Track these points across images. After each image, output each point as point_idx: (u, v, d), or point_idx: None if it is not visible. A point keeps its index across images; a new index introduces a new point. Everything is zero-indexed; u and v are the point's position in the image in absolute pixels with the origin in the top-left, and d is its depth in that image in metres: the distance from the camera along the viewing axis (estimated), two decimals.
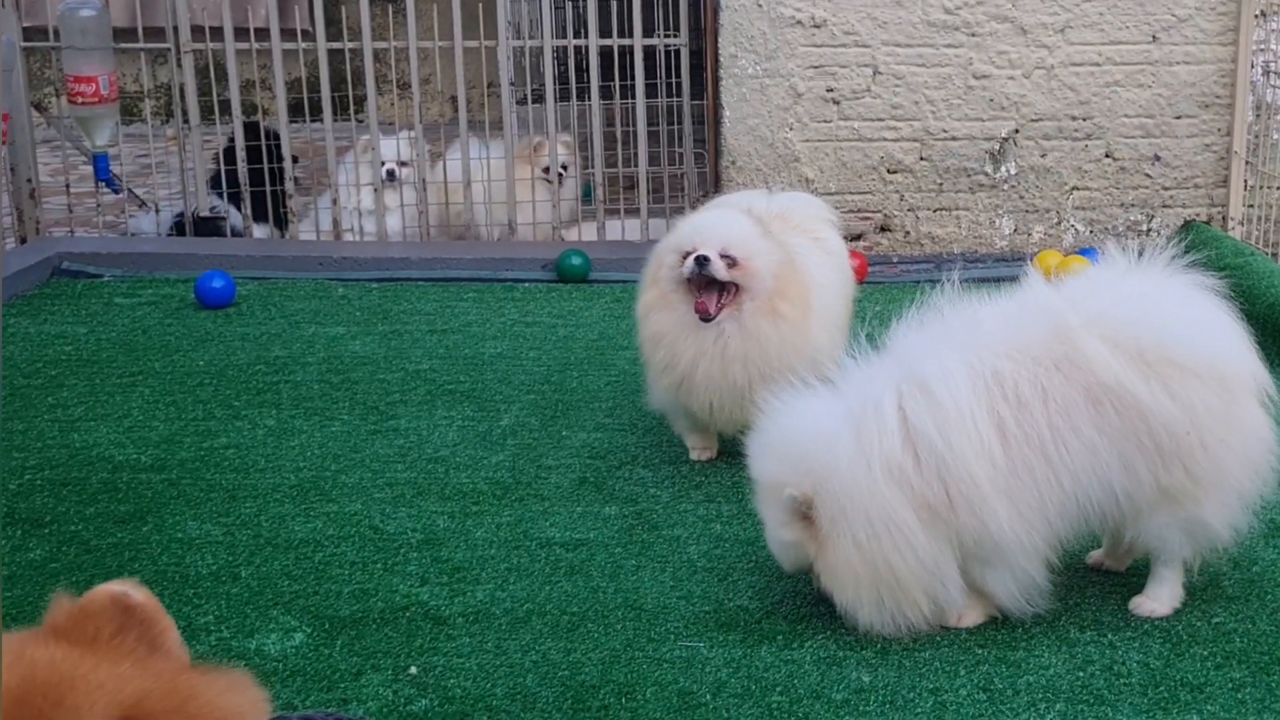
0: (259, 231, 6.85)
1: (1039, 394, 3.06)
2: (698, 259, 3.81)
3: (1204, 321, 3.25)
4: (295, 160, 6.93)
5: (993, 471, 3.03)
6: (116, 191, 6.94)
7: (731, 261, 3.83)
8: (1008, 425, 3.05)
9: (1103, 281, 3.31)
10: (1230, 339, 3.26)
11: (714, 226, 3.93)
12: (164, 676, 1.56)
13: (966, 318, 3.23)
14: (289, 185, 6.87)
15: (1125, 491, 3.12)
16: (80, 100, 6.52)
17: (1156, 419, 3.07)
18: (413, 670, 3.03)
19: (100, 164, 6.75)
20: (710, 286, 3.86)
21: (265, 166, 6.71)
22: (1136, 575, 3.50)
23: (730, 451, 4.23)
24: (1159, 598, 3.32)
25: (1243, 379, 3.23)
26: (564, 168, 6.89)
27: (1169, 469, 3.12)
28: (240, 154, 6.72)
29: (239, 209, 6.84)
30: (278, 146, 6.77)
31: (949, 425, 3.04)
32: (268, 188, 6.74)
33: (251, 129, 6.77)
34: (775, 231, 3.99)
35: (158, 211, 6.95)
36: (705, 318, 3.85)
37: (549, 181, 6.86)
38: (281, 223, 6.87)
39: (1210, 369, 3.15)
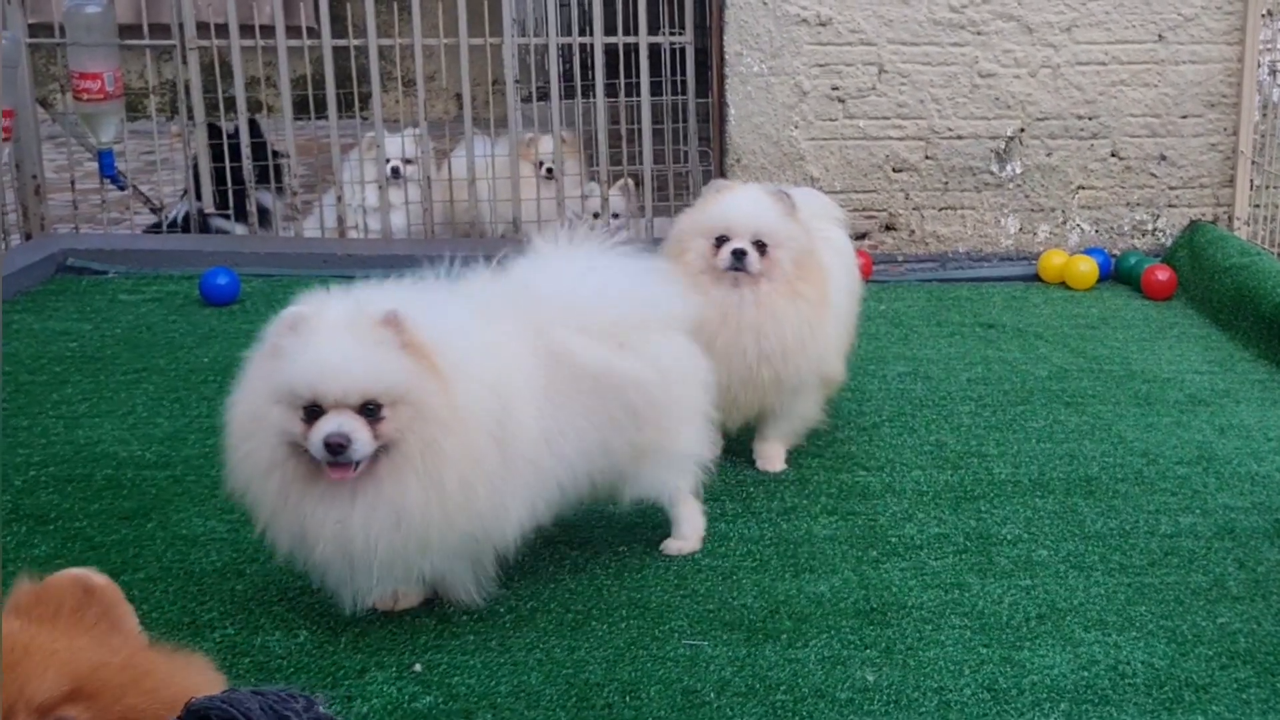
0: (239, 230, 6.84)
1: (539, 386, 3.11)
2: (735, 252, 3.82)
3: (644, 278, 3.38)
4: (282, 156, 6.90)
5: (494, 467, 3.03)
6: (121, 188, 6.94)
7: (762, 247, 3.84)
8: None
9: (551, 271, 3.30)
10: (665, 286, 3.44)
11: (746, 211, 3.88)
12: (121, 652, 1.59)
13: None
14: (290, 181, 6.86)
15: (602, 470, 3.27)
16: (85, 97, 6.52)
17: (636, 387, 3.20)
18: (417, 667, 3.03)
19: (105, 160, 6.75)
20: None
21: (227, 165, 6.68)
22: (1143, 578, 3.50)
23: (734, 450, 4.23)
24: (685, 535, 3.57)
25: (678, 317, 3.42)
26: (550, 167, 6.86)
27: (643, 429, 3.26)
28: (204, 155, 6.69)
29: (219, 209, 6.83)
30: (237, 145, 6.73)
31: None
32: (230, 186, 6.72)
33: (213, 130, 6.74)
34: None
35: (160, 208, 6.95)
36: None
37: (544, 178, 6.86)
38: (249, 218, 6.83)
39: (660, 317, 3.34)
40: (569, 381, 3.15)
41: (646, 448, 3.32)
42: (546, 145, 6.84)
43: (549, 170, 6.83)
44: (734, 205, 3.91)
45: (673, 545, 3.56)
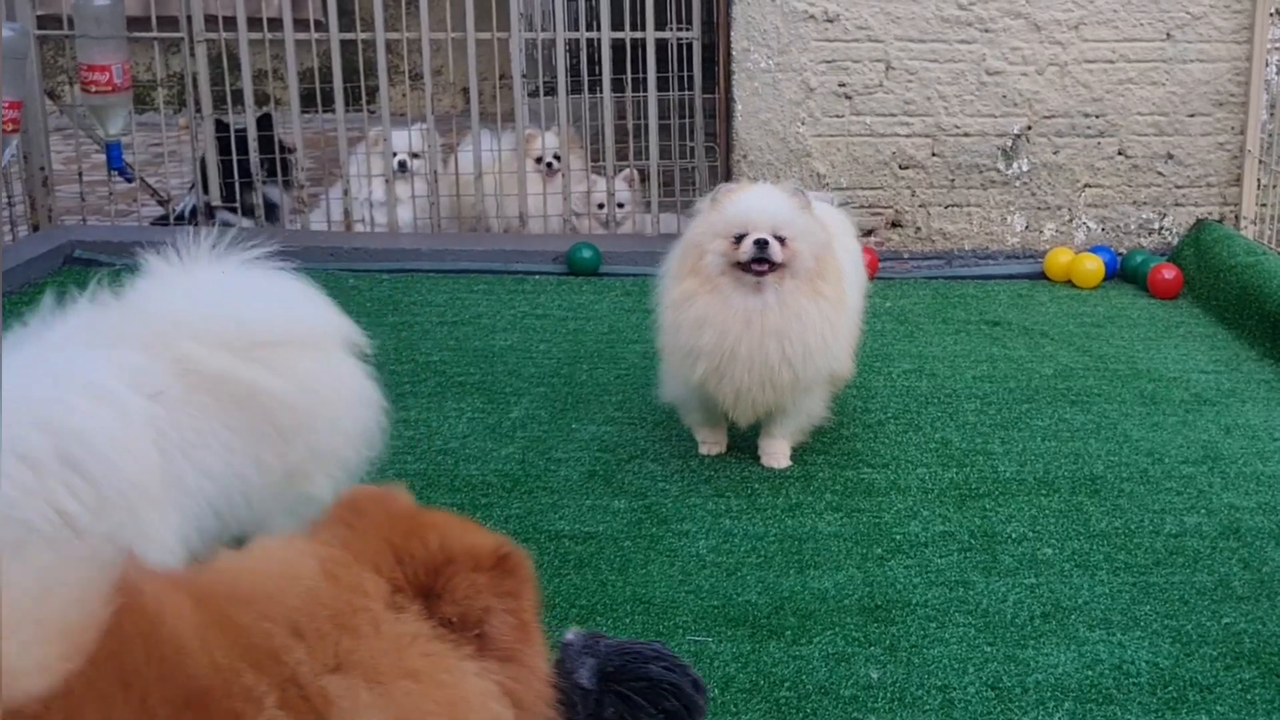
0: (245, 224, 6.85)
1: (180, 401, 2.85)
2: (758, 242, 3.81)
3: (279, 293, 3.18)
4: (290, 150, 6.91)
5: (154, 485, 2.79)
6: (129, 180, 6.95)
7: (782, 241, 3.84)
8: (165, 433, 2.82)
9: (173, 283, 3.03)
10: (311, 303, 3.22)
11: (764, 207, 3.88)
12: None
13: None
14: (297, 175, 6.87)
15: (256, 487, 2.99)
16: (94, 89, 6.53)
17: (274, 400, 2.98)
18: None
19: (113, 153, 6.75)
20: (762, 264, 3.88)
21: (234, 159, 6.69)
22: (1148, 578, 3.50)
23: (740, 446, 4.23)
24: None
25: (333, 337, 3.22)
26: (556, 158, 6.86)
27: (292, 447, 3.03)
28: (212, 149, 6.70)
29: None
30: (244, 139, 6.74)
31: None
32: (238, 180, 6.73)
33: (220, 124, 6.75)
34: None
35: (167, 200, 6.96)
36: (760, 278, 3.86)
37: (539, 173, 6.85)
38: (252, 212, 6.84)
39: (303, 335, 3.12)
40: (208, 396, 2.87)
41: (294, 473, 3.04)
42: (547, 141, 6.83)
43: (549, 165, 6.83)
44: (751, 201, 3.91)
45: None
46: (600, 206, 6.90)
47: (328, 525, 1.97)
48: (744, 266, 3.84)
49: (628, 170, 6.93)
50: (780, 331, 3.86)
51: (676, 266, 4.01)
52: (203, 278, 3.06)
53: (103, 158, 6.92)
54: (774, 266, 3.83)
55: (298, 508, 3.05)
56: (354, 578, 1.84)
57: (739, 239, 3.84)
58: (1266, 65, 6.38)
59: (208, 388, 2.87)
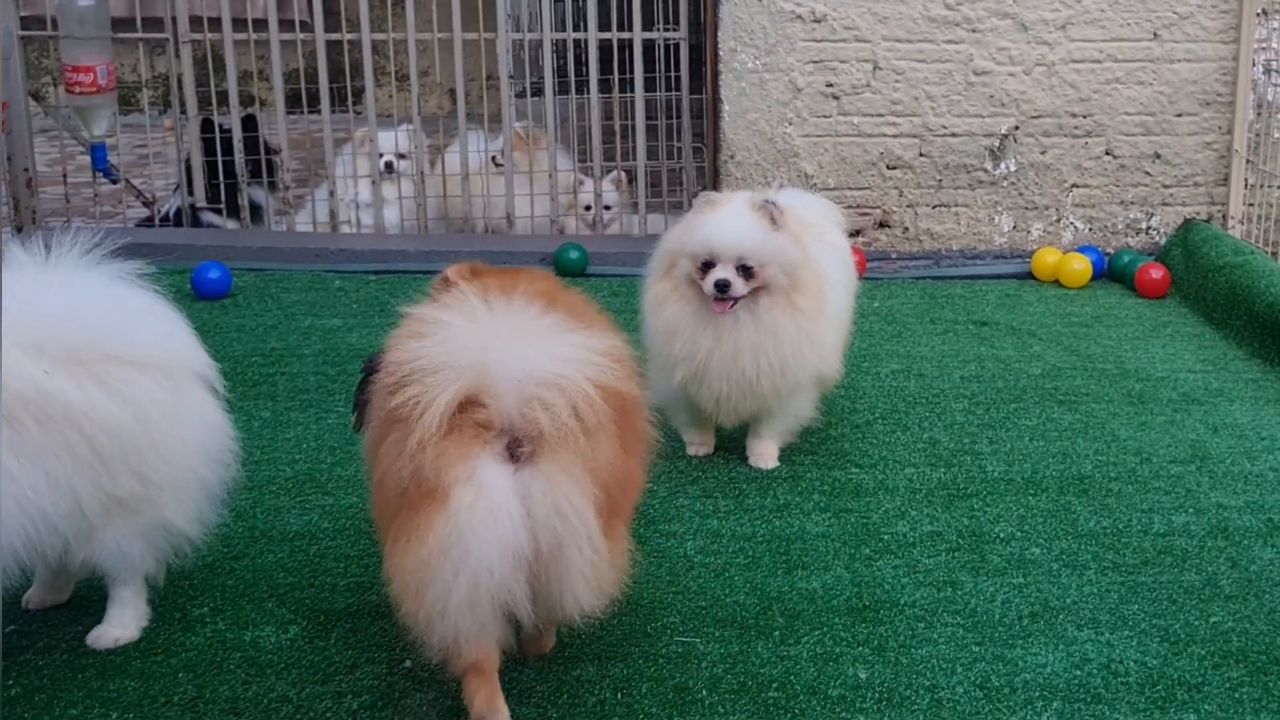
0: (230, 225, 6.83)
1: None
2: (718, 284, 3.76)
3: (137, 311, 2.99)
4: (274, 151, 6.88)
5: None
6: (114, 181, 6.92)
7: (748, 271, 3.79)
8: None
9: (14, 282, 2.76)
10: (167, 326, 3.04)
11: (729, 236, 3.78)
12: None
13: None
14: (282, 176, 6.84)
15: (65, 515, 2.77)
16: (78, 90, 6.50)
17: (95, 424, 2.75)
18: (408, 664, 3.02)
19: (98, 154, 6.73)
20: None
21: (219, 160, 6.66)
22: (1136, 577, 3.49)
23: (727, 446, 4.22)
24: (125, 623, 3.08)
25: (185, 366, 3.04)
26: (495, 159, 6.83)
27: (116, 477, 2.81)
28: (197, 149, 6.68)
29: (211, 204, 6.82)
30: (230, 140, 6.71)
31: None
32: (223, 181, 6.71)
33: (206, 124, 6.72)
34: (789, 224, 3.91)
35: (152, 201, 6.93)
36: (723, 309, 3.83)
37: (493, 172, 6.83)
38: (238, 213, 6.81)
39: (151, 358, 2.91)
40: (22, 410, 2.70)
41: (127, 501, 2.88)
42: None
43: (494, 160, 6.80)
44: (718, 229, 3.80)
45: (108, 634, 3.06)
46: (587, 208, 6.89)
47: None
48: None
49: (615, 172, 6.92)
50: (754, 347, 3.85)
51: (654, 266, 4.01)
52: (55, 280, 2.88)
53: (87, 159, 6.89)
54: (737, 300, 3.82)
55: (152, 536, 2.98)
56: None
57: (705, 266, 3.81)
58: (1253, 65, 6.38)
59: (23, 405, 2.67)
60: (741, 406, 3.96)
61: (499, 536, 2.43)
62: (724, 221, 3.82)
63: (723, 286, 3.78)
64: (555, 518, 2.47)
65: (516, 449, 2.49)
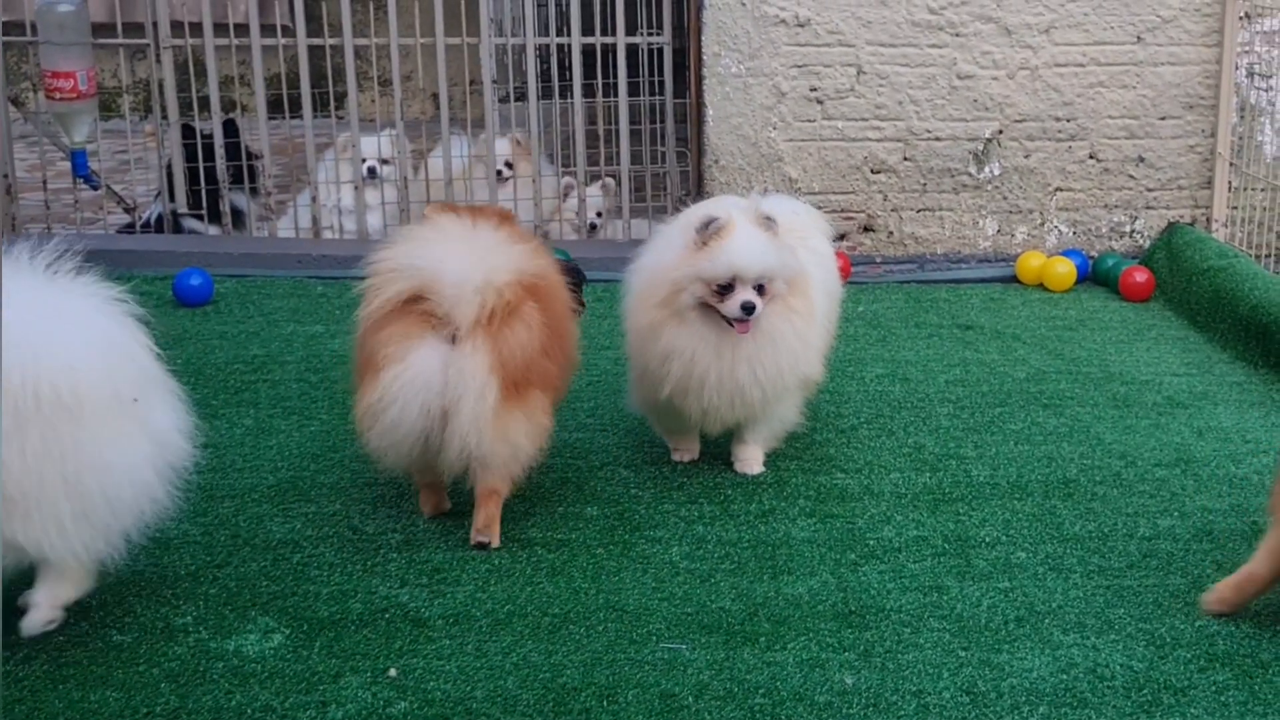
0: (212, 231, 6.80)
1: None
2: (746, 307, 3.73)
3: (50, 337, 2.80)
4: (256, 157, 6.86)
5: None
6: (95, 188, 6.88)
7: (762, 289, 3.79)
8: None
9: None
10: (85, 354, 2.82)
11: (754, 259, 3.74)
12: None
13: None
14: (264, 181, 6.82)
15: None
16: (58, 96, 6.46)
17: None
18: (392, 673, 3.00)
19: (78, 160, 6.69)
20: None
21: (201, 165, 6.64)
22: (1122, 581, 3.49)
23: (712, 453, 4.21)
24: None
25: (95, 398, 2.82)
26: (508, 165, 6.80)
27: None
28: (178, 155, 6.65)
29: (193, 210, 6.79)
30: (211, 145, 6.68)
31: None
32: (204, 186, 6.68)
33: (187, 130, 6.69)
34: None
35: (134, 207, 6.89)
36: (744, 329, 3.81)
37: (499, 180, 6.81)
38: (220, 219, 6.78)
39: (42, 395, 2.74)
40: None
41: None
42: (501, 147, 6.79)
43: (499, 173, 6.77)
44: (741, 254, 3.75)
45: None
46: (576, 215, 6.87)
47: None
48: (724, 316, 3.80)
49: (603, 180, 6.89)
50: (752, 357, 3.84)
51: (645, 292, 3.89)
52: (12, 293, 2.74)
53: (67, 165, 6.85)
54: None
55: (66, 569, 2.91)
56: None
57: (723, 289, 3.78)
58: (1236, 68, 6.40)
59: None
60: (728, 415, 3.94)
61: (412, 395, 3.38)
62: (744, 245, 3.77)
63: (750, 309, 3.75)
64: (459, 379, 3.38)
65: (455, 334, 3.40)
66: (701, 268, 3.78)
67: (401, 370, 3.38)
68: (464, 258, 3.47)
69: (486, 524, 3.58)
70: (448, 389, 3.39)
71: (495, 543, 3.57)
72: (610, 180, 6.90)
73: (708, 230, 3.77)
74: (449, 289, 3.40)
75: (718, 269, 3.76)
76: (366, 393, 3.44)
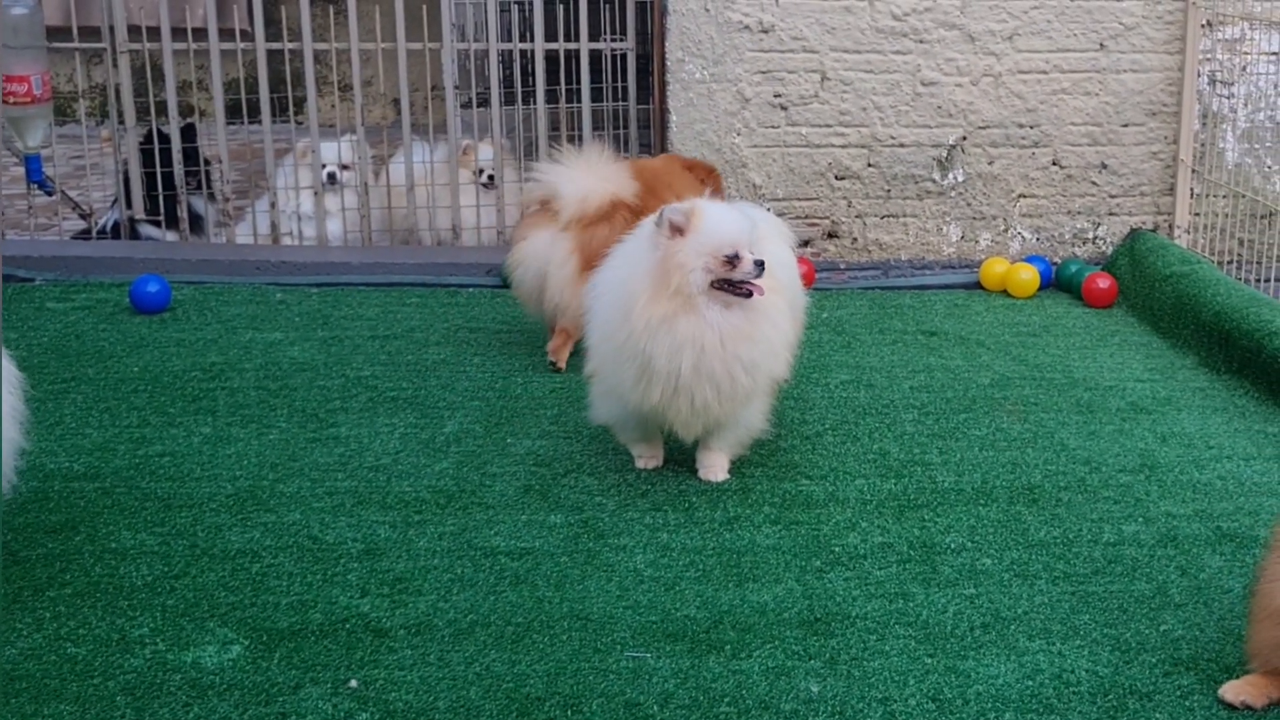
0: (169, 237, 6.73)
1: None
2: (759, 262, 3.77)
3: None
4: (213, 161, 6.80)
5: None
6: (49, 193, 6.80)
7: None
8: None
9: None
10: None
11: (748, 227, 3.83)
12: None
13: None
14: (221, 186, 6.75)
15: None
16: (12, 100, 6.38)
17: None
18: (353, 683, 2.96)
19: (32, 165, 6.61)
20: None
21: (158, 170, 6.57)
22: (1087, 587, 3.48)
23: (677, 460, 4.18)
24: None
25: None
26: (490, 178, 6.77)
27: None
28: (135, 160, 6.59)
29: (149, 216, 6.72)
30: (168, 150, 6.63)
31: None
32: (161, 192, 6.62)
33: (152, 135, 6.64)
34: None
35: (92, 213, 6.81)
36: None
37: (484, 186, 6.77)
38: (177, 225, 6.72)
39: None
40: None
41: None
42: (485, 153, 6.76)
43: (489, 178, 6.75)
44: (738, 221, 3.83)
45: None
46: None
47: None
48: (731, 285, 3.78)
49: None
50: (750, 335, 3.83)
51: (654, 287, 3.81)
52: None
53: (22, 170, 6.77)
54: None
55: None
56: None
57: (731, 259, 3.77)
58: (1198, 75, 6.44)
59: None
60: (715, 412, 3.89)
61: (528, 263, 5.00)
62: (739, 216, 3.87)
63: (762, 265, 3.78)
64: (550, 255, 4.92)
65: (569, 226, 4.89)
66: (703, 242, 3.77)
67: (525, 245, 5.01)
68: (578, 180, 4.90)
69: (558, 349, 5.05)
70: (547, 260, 4.90)
71: (562, 366, 5.02)
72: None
73: (676, 217, 3.78)
74: (561, 199, 4.89)
75: (722, 239, 3.76)
76: (510, 260, 5.12)
